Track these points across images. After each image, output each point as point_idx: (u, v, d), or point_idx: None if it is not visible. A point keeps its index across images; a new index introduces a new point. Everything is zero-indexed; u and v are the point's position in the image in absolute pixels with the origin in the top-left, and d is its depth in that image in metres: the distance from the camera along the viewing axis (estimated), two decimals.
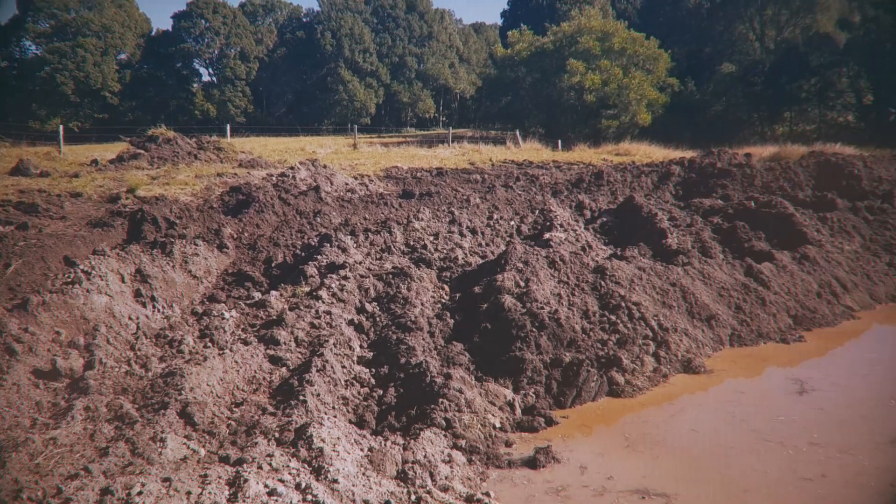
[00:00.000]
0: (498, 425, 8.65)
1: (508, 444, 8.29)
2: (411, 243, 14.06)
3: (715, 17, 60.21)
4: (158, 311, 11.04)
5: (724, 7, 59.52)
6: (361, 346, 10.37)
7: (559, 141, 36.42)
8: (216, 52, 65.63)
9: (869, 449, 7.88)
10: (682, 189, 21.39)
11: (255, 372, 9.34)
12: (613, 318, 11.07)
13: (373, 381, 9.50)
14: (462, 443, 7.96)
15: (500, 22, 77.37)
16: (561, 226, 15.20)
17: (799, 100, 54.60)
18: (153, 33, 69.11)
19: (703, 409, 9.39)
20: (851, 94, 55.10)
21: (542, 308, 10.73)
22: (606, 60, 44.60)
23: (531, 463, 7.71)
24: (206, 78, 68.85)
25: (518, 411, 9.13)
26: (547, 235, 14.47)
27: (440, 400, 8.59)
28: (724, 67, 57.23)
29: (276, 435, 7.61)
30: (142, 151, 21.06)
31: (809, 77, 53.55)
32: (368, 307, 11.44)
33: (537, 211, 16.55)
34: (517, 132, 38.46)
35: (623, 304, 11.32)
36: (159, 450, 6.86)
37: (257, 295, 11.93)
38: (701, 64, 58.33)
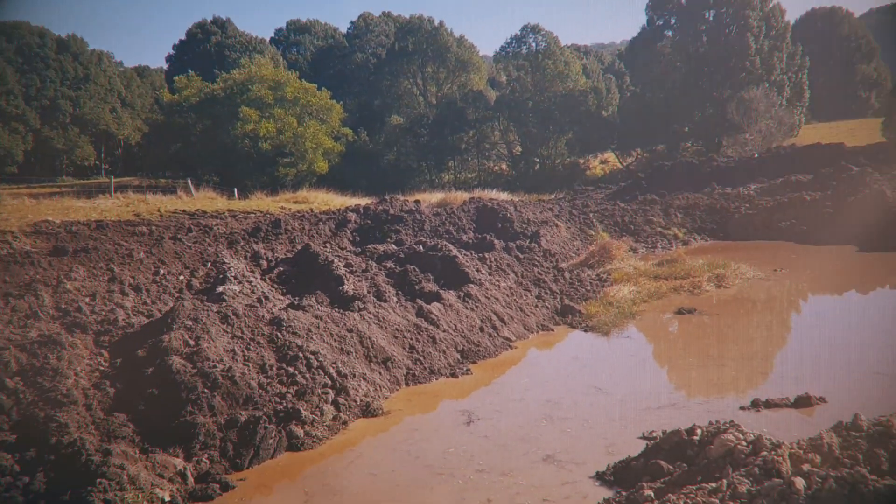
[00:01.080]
0: (168, 499, 7.96)
1: None
2: (63, 306, 12.57)
3: (381, 72, 63.84)
4: None
5: (388, 63, 63.38)
6: (2, 429, 8.92)
7: (236, 189, 35.63)
8: None
9: (525, 468, 8.59)
10: (360, 235, 22.04)
11: None
12: (292, 369, 10.89)
13: (17, 467, 8.23)
14: None
15: (165, 66, 74.29)
16: (235, 278, 14.71)
17: (460, 150, 59.86)
18: None
19: (381, 450, 9.54)
20: (503, 146, 61.77)
21: (215, 367, 10.22)
22: (280, 109, 44.98)
23: None
24: None
25: (191, 480, 8.53)
26: (220, 289, 13.89)
27: (98, 480, 7.73)
28: (393, 119, 60.77)
29: None
30: None
31: (468, 130, 59.05)
32: (10, 383, 9.91)
33: (210, 263, 15.86)
34: (189, 180, 36.88)
35: (301, 355, 11.20)
36: None
37: None
38: (372, 115, 61.38)
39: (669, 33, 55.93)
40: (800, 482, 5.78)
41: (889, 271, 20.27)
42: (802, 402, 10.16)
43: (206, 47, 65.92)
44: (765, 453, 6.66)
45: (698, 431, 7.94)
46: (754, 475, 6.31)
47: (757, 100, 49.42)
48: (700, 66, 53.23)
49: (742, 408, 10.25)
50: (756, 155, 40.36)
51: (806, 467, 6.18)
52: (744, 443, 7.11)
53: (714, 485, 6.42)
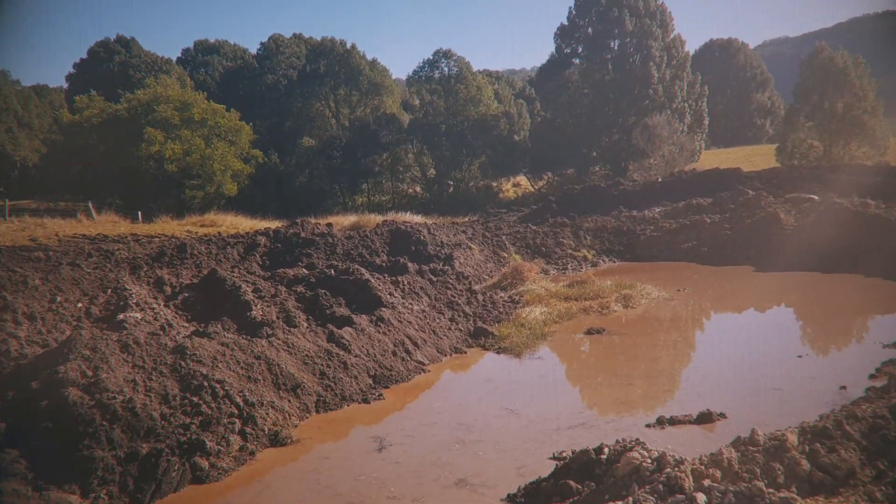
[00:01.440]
0: None
1: None
2: None
3: (293, 94, 63.30)
4: None
5: (300, 85, 62.92)
6: None
7: (140, 212, 34.48)
8: None
9: (437, 494, 8.54)
10: (269, 259, 21.61)
11: None
12: (196, 399, 10.52)
13: None
14: None
15: (66, 85, 71.58)
16: (137, 305, 14.15)
17: (374, 172, 59.75)
18: None
19: (290, 481, 9.30)
20: (417, 168, 62.04)
21: (115, 398, 9.78)
22: (187, 130, 43.90)
23: None
24: None
25: None
26: (121, 316, 13.34)
27: None
28: (305, 141, 60.21)
29: None
30: None
31: (381, 152, 59.06)
32: None
33: (110, 290, 15.21)
34: (91, 204, 35.48)
35: (206, 384, 10.84)
36: None
37: None
38: (283, 137, 60.69)
39: (577, 61, 57.68)
40: (701, 497, 5.94)
41: (784, 290, 21.27)
42: (704, 419, 10.49)
43: (110, 66, 63.99)
44: (668, 470, 6.82)
45: (606, 450, 8.07)
46: (659, 492, 6.44)
47: (660, 126, 51.42)
48: (606, 94, 55.06)
49: (648, 425, 10.50)
50: (660, 179, 41.88)
51: (707, 482, 6.35)
52: (649, 460, 7.27)
53: (621, 503, 6.52)
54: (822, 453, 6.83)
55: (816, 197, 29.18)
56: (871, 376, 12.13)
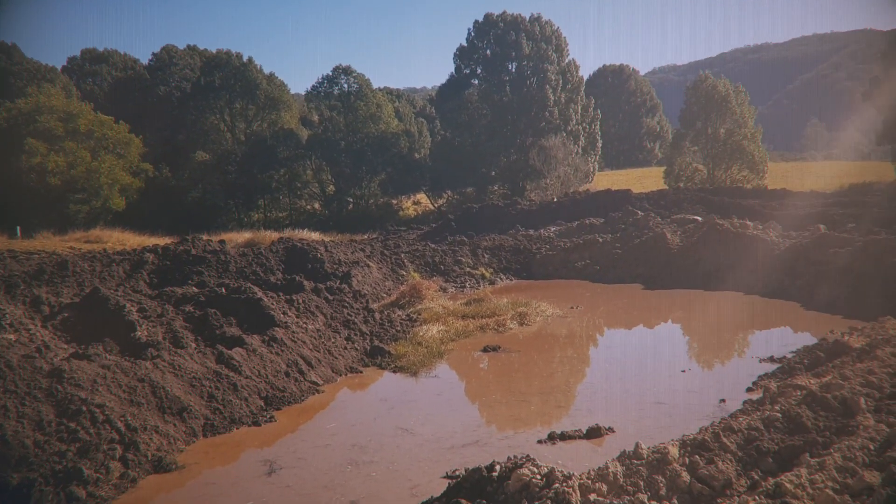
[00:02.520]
0: None
1: None
2: None
3: (186, 106, 61.49)
4: None
5: (193, 98, 61.20)
6: None
7: (19, 228, 32.59)
8: None
9: None
10: (158, 277, 20.83)
11: None
12: (74, 425, 9.95)
13: None
14: None
15: None
16: (11, 325, 13.30)
17: (271, 189, 58.71)
18: None
19: None
20: (316, 185, 61.36)
21: None
22: (72, 142, 41.94)
23: None
24: None
25: None
26: None
27: None
28: (198, 155, 58.56)
29: None
30: None
31: (279, 168, 58.10)
32: None
33: None
34: None
35: (85, 409, 10.28)
36: None
37: None
38: (176, 151, 58.83)
39: (476, 82, 58.68)
40: None
41: (670, 307, 22.15)
42: (593, 433, 10.73)
43: None
44: (557, 485, 6.91)
45: (497, 468, 8.11)
46: None
47: (556, 148, 52.88)
48: (504, 114, 56.22)
49: (540, 441, 10.64)
50: (555, 199, 42.98)
51: (592, 497, 6.47)
52: (538, 476, 7.35)
53: None
54: (701, 465, 7.09)
55: (699, 218, 30.61)
56: (748, 389, 12.75)
